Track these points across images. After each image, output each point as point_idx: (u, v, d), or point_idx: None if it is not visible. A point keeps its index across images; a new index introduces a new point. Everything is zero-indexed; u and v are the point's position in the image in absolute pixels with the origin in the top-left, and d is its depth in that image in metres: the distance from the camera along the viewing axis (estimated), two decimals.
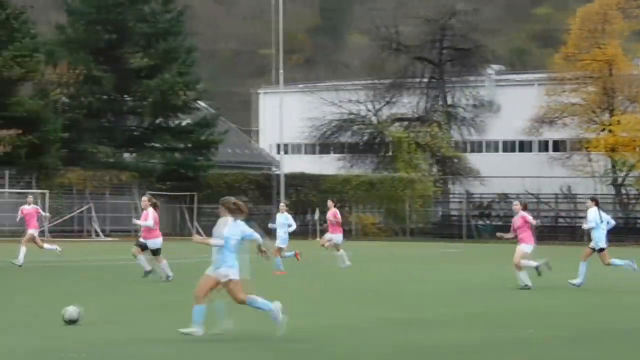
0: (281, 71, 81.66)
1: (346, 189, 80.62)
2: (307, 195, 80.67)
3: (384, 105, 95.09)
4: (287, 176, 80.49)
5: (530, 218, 29.02)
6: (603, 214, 30.26)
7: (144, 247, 30.05)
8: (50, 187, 68.89)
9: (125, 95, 78.97)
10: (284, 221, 36.75)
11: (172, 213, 76.04)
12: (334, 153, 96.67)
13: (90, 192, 72.27)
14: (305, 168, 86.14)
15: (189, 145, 79.04)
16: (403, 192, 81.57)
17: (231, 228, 17.23)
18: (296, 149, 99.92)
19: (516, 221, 29.02)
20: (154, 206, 30.13)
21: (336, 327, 19.65)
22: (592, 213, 29.81)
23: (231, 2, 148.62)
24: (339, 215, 39.73)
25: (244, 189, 79.43)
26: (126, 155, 78.60)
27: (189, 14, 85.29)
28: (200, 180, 78.11)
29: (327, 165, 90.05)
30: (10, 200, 66.97)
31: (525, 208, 29.45)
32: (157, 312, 22.08)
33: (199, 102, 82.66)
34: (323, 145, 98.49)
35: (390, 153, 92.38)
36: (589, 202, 30.85)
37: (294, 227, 37.25)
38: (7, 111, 67.75)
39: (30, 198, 40.98)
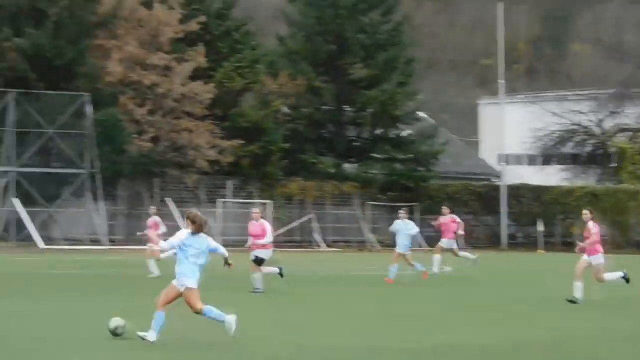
0: (502, 81, 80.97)
1: (569, 201, 79.04)
2: (529, 206, 79.63)
3: (608, 116, 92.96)
4: (508, 187, 79.63)
5: (593, 229, 27.48)
6: None
7: (260, 262, 29.50)
8: (272, 198, 69.34)
9: (346, 106, 78.84)
10: (404, 228, 36.23)
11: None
12: (557, 164, 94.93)
13: (312, 202, 72.69)
14: (527, 179, 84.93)
15: (410, 156, 78.31)
16: (628, 204, 79.60)
17: (190, 240, 17.97)
18: (517, 160, 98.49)
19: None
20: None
21: None
22: None
23: (453, 12, 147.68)
24: (458, 220, 40.06)
25: (465, 200, 79.06)
26: (347, 165, 78.22)
27: (408, 24, 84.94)
28: (421, 191, 77.56)
29: (549, 176, 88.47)
30: (233, 210, 68.30)
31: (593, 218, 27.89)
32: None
33: (419, 112, 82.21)
34: (545, 157, 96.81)
35: (614, 164, 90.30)
36: None
37: (414, 232, 36.46)
38: (230, 122, 68.66)
39: (153, 209, 40.57)
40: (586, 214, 28.05)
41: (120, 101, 65.13)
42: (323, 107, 77.85)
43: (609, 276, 27.94)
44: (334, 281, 37.35)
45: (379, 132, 79.85)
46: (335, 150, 77.96)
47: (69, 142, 62.93)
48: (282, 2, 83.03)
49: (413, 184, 77.34)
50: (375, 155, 78.70)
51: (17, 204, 59.76)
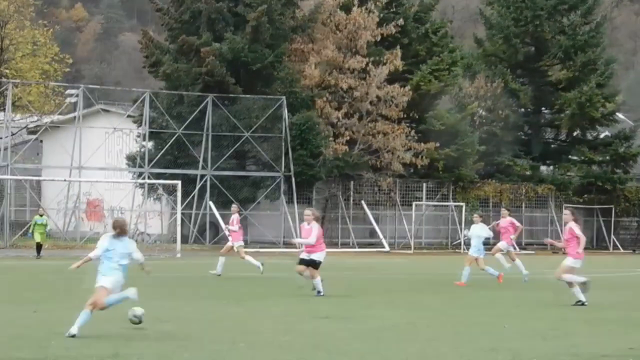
0: None
1: None
2: None
3: None
4: None
5: (577, 231, 25.63)
6: None
7: (308, 264, 26.98)
8: (467, 200, 66.99)
9: (543, 108, 76.23)
10: (478, 232, 33.96)
11: (590, 227, 72.16)
12: None
13: (507, 204, 69.37)
14: None
15: (607, 158, 74.75)
16: None
17: (114, 243, 18.62)
18: None
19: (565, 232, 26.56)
20: (317, 220, 27.63)
21: None
22: None
23: None
24: (516, 224, 37.55)
25: None
26: (543, 168, 75.55)
27: (608, 25, 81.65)
28: (617, 193, 73.89)
29: None
30: (428, 212, 66.24)
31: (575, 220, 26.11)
32: None
33: (617, 114, 78.21)
34: None
35: None
36: None
37: (485, 236, 34.19)
38: (426, 124, 66.22)
39: (234, 207, 37.99)
40: (567, 214, 26.41)
41: (317, 104, 63.50)
42: (520, 109, 75.41)
43: (568, 277, 25.95)
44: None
45: (576, 133, 76.71)
46: (531, 152, 75.01)
47: (265, 145, 61.40)
48: (480, 4, 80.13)
49: (610, 186, 73.41)
50: (572, 157, 75.69)
51: (213, 207, 58.51)
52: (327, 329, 19.56)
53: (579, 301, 25.38)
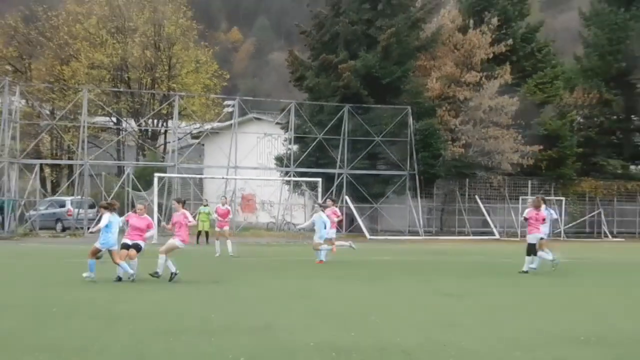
0: None
1: None
2: None
3: None
4: None
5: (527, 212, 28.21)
6: None
7: None
8: (567, 195, 65.50)
9: (633, 115, 74.12)
10: (546, 215, 31.52)
11: None
12: None
13: (601, 199, 68.10)
14: None
15: None
16: None
17: (114, 219, 23.08)
18: None
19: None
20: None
21: None
22: None
23: None
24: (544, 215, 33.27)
25: None
26: (632, 167, 73.74)
27: None
28: None
29: None
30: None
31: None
32: None
33: None
34: None
35: None
36: None
37: (555, 216, 32.30)
38: (531, 130, 64.83)
39: (223, 198, 39.18)
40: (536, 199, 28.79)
41: (438, 113, 62.79)
42: (613, 117, 73.58)
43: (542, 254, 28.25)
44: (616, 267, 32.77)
45: None
46: (623, 153, 73.19)
47: (393, 147, 60.52)
48: (579, 26, 78.51)
49: None
50: None
51: (349, 200, 58.20)
52: (447, 305, 19.11)
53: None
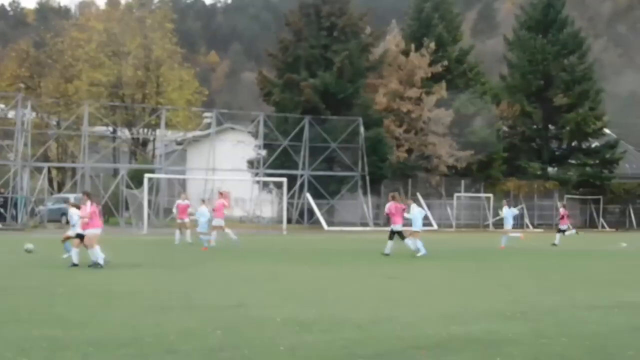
0: None
1: None
2: None
3: None
4: None
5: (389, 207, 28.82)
6: None
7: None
8: (494, 193, 65.56)
9: (550, 125, 74.28)
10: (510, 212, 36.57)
11: (584, 212, 71.14)
12: None
13: (523, 196, 68.41)
14: None
15: (597, 161, 72.94)
16: None
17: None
18: None
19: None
20: None
21: None
22: None
23: (632, 53, 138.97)
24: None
25: (639, 194, 74.14)
26: (550, 169, 73.62)
27: (598, 64, 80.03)
28: (605, 188, 72.11)
29: None
30: (465, 201, 65.36)
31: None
32: None
33: (605, 129, 76.34)
34: None
35: None
36: None
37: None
38: (464, 138, 65.24)
39: (183, 195, 38.70)
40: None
41: (384, 123, 62.92)
42: (533, 126, 73.79)
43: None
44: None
45: (574, 144, 74.65)
46: (542, 157, 73.31)
47: (346, 152, 60.78)
48: (503, 49, 78.98)
49: (599, 182, 71.70)
50: (572, 161, 73.70)
51: (309, 197, 58.22)
52: (393, 286, 19.26)
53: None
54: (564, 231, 39.11)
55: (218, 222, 33.41)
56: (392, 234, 29.03)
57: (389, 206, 29.24)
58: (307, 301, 15.81)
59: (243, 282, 19.46)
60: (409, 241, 29.25)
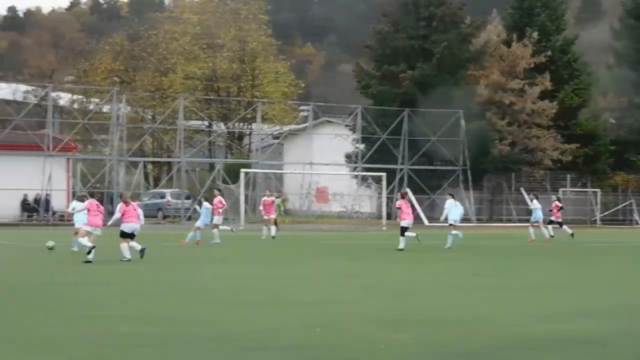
0: None
1: None
2: None
3: None
4: None
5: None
6: None
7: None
8: (602, 187, 64.07)
9: None
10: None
11: None
12: None
13: (632, 190, 66.08)
14: None
15: None
16: None
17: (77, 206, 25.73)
18: None
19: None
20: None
21: None
22: None
23: None
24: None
25: None
26: None
27: None
28: None
29: None
30: (571, 196, 63.28)
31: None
32: None
33: None
34: None
35: None
36: None
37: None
38: (569, 130, 63.48)
39: (267, 191, 39.18)
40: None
41: (486, 116, 61.48)
42: None
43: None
44: None
45: None
46: None
47: (447, 146, 59.62)
48: (610, 39, 76.48)
49: None
50: None
51: (409, 192, 57.11)
52: (490, 283, 18.86)
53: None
54: (559, 223, 37.98)
55: (217, 219, 32.74)
56: (402, 230, 29.62)
57: (399, 203, 30.46)
58: (402, 298, 15.54)
59: (338, 278, 19.37)
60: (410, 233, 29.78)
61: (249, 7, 74.63)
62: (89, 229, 23.74)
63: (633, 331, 11.87)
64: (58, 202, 51.47)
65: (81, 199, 26.41)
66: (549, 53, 63.95)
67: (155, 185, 68.55)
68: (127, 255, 23.10)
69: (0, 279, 18.46)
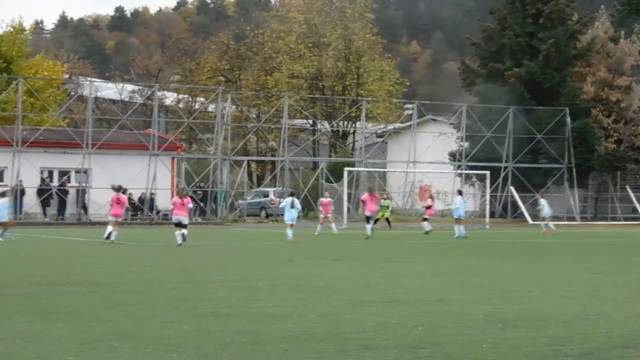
0: None
1: None
2: None
3: None
4: None
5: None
6: None
7: None
8: None
9: None
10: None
11: None
12: None
13: None
14: None
15: None
16: None
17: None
18: None
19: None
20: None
21: None
22: None
23: None
24: None
25: None
26: None
27: None
28: None
29: None
30: None
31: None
32: None
33: None
34: None
35: None
36: None
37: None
38: None
39: (326, 193, 43.52)
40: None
41: (592, 113, 61.32)
42: None
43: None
44: None
45: None
46: None
47: (552, 144, 59.52)
48: None
49: None
50: None
51: (513, 190, 57.30)
52: (599, 282, 18.69)
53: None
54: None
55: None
56: (367, 219, 35.59)
57: (365, 196, 36.43)
58: (510, 296, 15.54)
59: (444, 276, 19.47)
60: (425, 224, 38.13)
61: (354, 6, 75.40)
62: (112, 219, 30.03)
63: None
64: (162, 201, 51.40)
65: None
66: None
67: (259, 184, 70.07)
68: (179, 240, 27.24)
69: (131, 277, 18.67)
